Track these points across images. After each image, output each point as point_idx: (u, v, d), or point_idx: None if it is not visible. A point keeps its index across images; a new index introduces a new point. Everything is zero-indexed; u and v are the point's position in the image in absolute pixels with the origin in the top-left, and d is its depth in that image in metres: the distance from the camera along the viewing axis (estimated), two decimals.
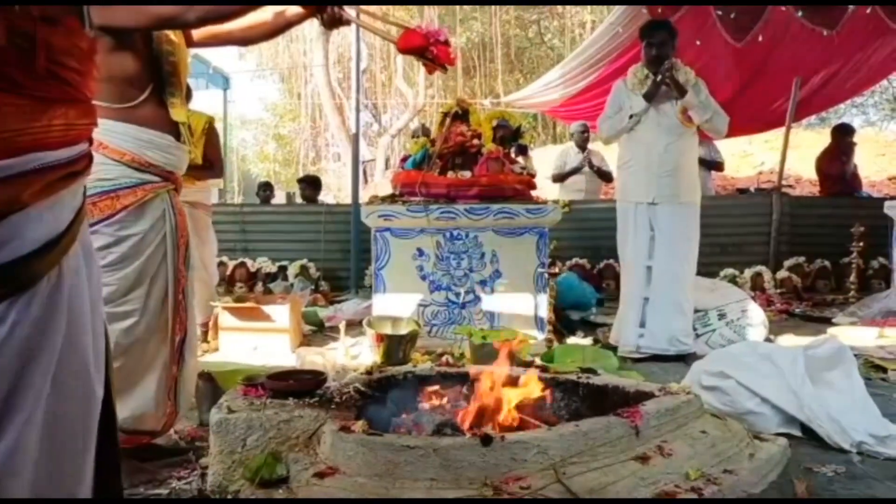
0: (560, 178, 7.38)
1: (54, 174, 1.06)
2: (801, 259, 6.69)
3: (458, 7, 16.03)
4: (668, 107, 4.09)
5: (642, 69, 4.18)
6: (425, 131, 7.41)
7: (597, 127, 4.60)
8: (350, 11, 1.94)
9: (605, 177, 7.14)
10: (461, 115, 4.63)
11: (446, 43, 1.89)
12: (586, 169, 7.14)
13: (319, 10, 1.90)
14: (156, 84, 2.27)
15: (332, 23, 1.94)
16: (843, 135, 7.43)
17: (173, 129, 2.34)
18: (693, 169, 4.24)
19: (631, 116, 4.13)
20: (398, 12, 16.57)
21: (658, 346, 4.07)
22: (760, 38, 7.15)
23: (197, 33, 2.32)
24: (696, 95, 4.04)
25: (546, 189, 8.48)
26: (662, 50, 4.09)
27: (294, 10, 2.05)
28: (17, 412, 1.01)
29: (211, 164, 4.55)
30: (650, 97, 4.08)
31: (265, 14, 2.13)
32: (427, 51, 1.87)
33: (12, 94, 0.99)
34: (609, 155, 6.91)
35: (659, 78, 4.04)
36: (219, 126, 5.01)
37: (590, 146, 7.39)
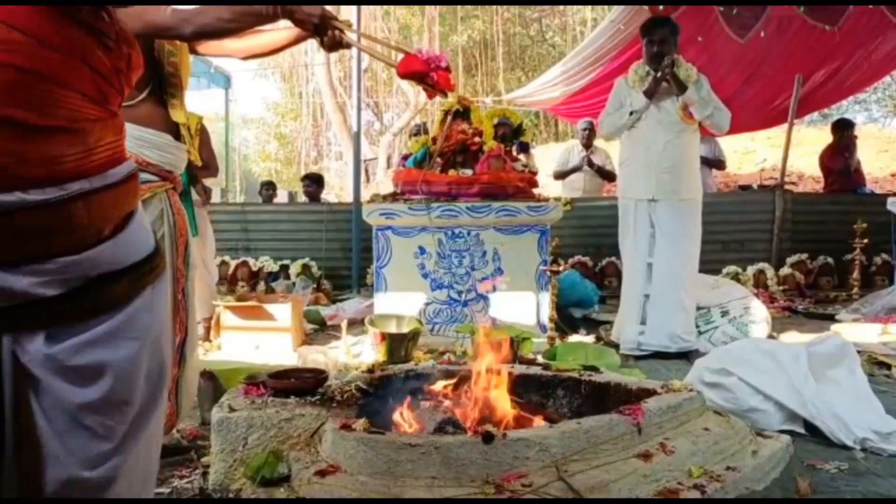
0: (560, 175, 7.38)
1: (137, 180, 1.18)
2: (804, 256, 6.67)
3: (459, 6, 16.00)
4: (669, 104, 4.07)
5: (643, 66, 4.17)
6: (423, 130, 7.40)
7: (598, 124, 4.60)
8: (351, 35, 1.93)
9: (607, 176, 7.12)
10: (462, 113, 4.63)
11: (447, 69, 1.88)
12: (586, 168, 7.13)
13: (320, 32, 1.89)
14: (155, 84, 2.27)
15: (333, 45, 1.93)
16: (842, 129, 7.41)
17: (172, 128, 2.35)
18: (694, 166, 4.22)
19: (631, 113, 4.12)
20: (399, 11, 16.58)
21: (659, 343, 4.06)
22: (762, 35, 7.13)
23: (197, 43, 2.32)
24: (698, 92, 4.03)
25: (548, 187, 8.48)
26: (663, 47, 4.07)
27: (294, 29, 2.05)
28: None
29: (206, 163, 4.57)
30: (650, 94, 4.06)
31: (264, 31, 2.13)
32: (427, 76, 1.86)
33: (107, 111, 1.09)
34: (615, 154, 6.90)
35: (659, 74, 4.03)
36: (220, 125, 5.02)
37: (596, 144, 7.37)
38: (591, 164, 7.11)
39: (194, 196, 4.46)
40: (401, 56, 1.92)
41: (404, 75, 1.92)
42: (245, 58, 2.21)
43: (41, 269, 0.99)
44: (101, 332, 1.03)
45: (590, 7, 16.19)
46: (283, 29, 2.11)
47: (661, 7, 6.83)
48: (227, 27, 1.81)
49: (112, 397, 1.04)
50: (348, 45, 1.94)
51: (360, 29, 6.81)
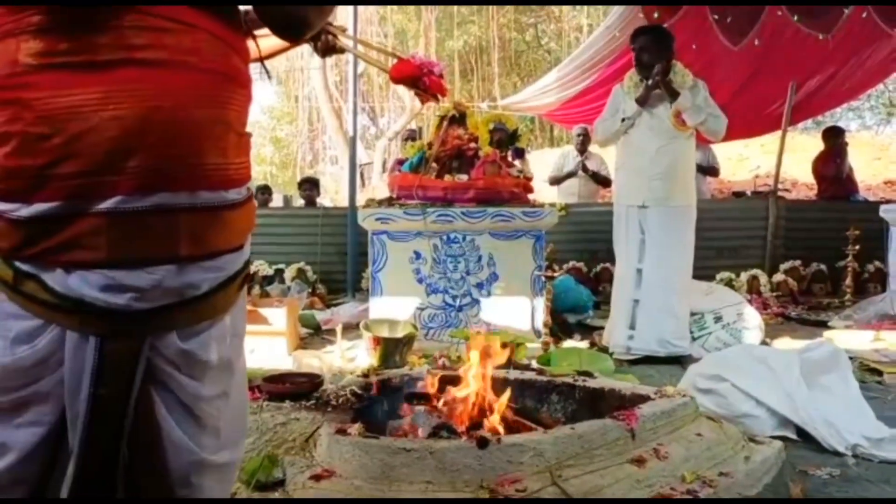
0: (556, 180, 7.40)
1: None
2: (797, 262, 6.70)
3: (455, 9, 16.04)
4: (662, 110, 4.10)
5: (637, 73, 4.20)
6: (418, 135, 7.41)
7: (593, 130, 4.62)
8: (345, 40, 1.94)
9: (602, 181, 7.15)
10: (458, 118, 4.65)
11: (440, 75, 1.90)
12: (581, 173, 7.15)
13: (313, 37, 1.90)
14: None
15: (326, 51, 1.94)
16: (833, 137, 7.47)
17: None
18: (688, 172, 4.23)
19: (623, 120, 4.14)
20: (396, 15, 16.61)
21: (648, 348, 4.08)
22: (756, 42, 7.17)
23: None
24: (693, 98, 4.05)
25: (543, 192, 8.49)
26: (642, 55, 4.11)
27: None
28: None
29: None
30: (642, 101, 4.09)
31: (257, 37, 2.13)
32: (420, 81, 1.87)
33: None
34: (610, 159, 6.92)
35: (650, 82, 4.06)
36: None
37: (591, 149, 7.40)
38: (585, 169, 7.14)
39: None
40: (395, 61, 1.93)
41: (397, 80, 1.94)
42: None
43: (213, 266, 1.03)
44: (220, 329, 1.07)
45: (585, 13, 16.26)
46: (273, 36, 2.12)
47: (655, 13, 6.87)
48: None
49: (222, 391, 1.09)
50: (342, 51, 1.95)
51: (357, 34, 6.82)
